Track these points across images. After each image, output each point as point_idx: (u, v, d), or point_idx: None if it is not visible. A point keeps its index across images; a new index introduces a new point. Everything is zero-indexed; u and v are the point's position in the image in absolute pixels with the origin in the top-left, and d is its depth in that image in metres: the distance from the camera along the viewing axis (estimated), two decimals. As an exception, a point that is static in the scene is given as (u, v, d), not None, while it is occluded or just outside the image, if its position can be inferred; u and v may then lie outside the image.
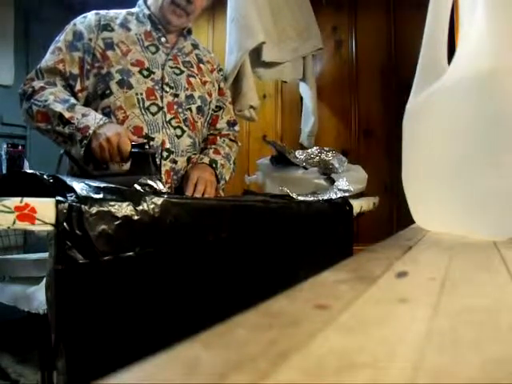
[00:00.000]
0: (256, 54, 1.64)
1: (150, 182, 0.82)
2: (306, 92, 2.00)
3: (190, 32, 1.24)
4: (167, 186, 1.05)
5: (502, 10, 0.62)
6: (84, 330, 0.61)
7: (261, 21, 1.58)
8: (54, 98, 0.99)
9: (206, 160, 1.13)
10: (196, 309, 0.74)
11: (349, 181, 1.25)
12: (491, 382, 0.16)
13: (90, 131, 0.93)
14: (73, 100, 1.01)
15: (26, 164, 2.50)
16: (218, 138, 1.25)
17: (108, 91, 1.04)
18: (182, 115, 1.10)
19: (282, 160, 1.37)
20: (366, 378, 0.16)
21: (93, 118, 0.95)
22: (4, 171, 2.42)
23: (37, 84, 1.03)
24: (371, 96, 2.10)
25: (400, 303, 0.27)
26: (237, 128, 1.32)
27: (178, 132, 1.09)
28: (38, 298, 1.51)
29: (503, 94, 0.60)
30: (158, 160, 1.03)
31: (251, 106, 1.61)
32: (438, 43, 0.80)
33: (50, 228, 0.59)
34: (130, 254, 0.65)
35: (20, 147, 2.53)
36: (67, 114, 0.95)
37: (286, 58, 1.78)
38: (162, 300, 0.70)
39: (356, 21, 2.17)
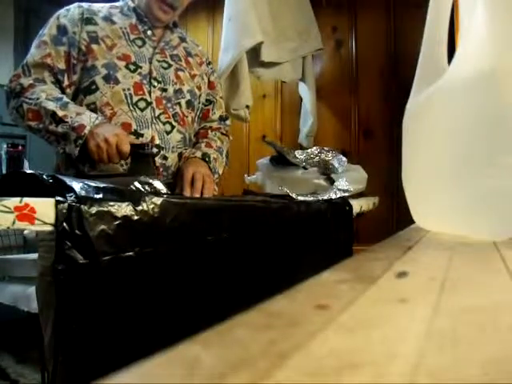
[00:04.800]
0: (255, 53, 1.64)
1: (152, 182, 0.82)
2: (306, 92, 2.00)
3: (175, 25, 1.21)
4: None
5: (502, 10, 0.62)
6: (83, 330, 0.61)
7: (259, 20, 1.58)
8: (46, 95, 0.96)
9: (199, 154, 1.10)
10: (196, 309, 0.74)
11: (349, 181, 1.25)
12: (491, 382, 0.16)
13: (86, 131, 0.91)
14: (65, 98, 0.98)
15: (26, 164, 2.50)
16: (210, 131, 1.23)
17: (94, 86, 1.01)
18: (171, 110, 1.08)
19: (281, 160, 1.37)
20: (366, 378, 0.16)
21: (88, 117, 0.93)
22: (4, 171, 2.42)
23: (25, 81, 1.00)
24: (371, 96, 2.10)
25: (400, 303, 0.27)
26: (228, 122, 1.31)
27: (168, 128, 1.06)
28: (37, 298, 1.50)
29: (503, 94, 0.60)
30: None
31: (247, 106, 1.62)
32: (438, 43, 0.80)
33: (49, 228, 0.59)
34: (130, 254, 0.65)
35: (20, 147, 2.53)
36: (60, 113, 0.93)
37: (286, 58, 1.78)
38: (162, 300, 0.70)
39: (356, 21, 2.17)
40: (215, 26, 2.50)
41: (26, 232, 2.17)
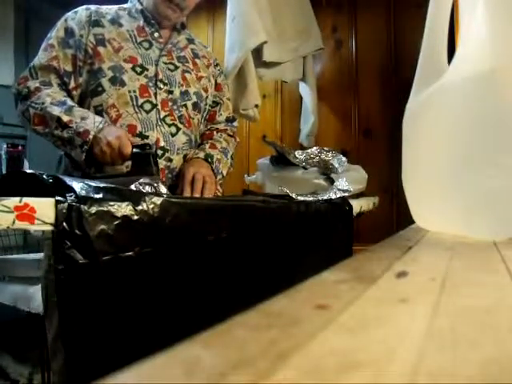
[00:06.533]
0: (256, 54, 1.64)
1: (151, 183, 0.82)
2: (306, 92, 2.00)
3: (183, 26, 1.21)
4: None
5: (502, 10, 0.62)
6: (84, 330, 0.61)
7: (261, 20, 1.58)
8: (51, 100, 0.97)
9: (201, 155, 1.10)
10: (196, 309, 0.74)
11: (348, 181, 1.25)
12: (491, 382, 0.16)
13: (91, 136, 0.92)
14: (70, 102, 0.99)
15: (26, 164, 2.50)
16: (215, 132, 1.23)
17: (100, 88, 1.02)
18: (176, 112, 1.08)
19: (281, 160, 1.37)
20: (366, 378, 0.16)
21: (92, 122, 0.94)
22: (4, 171, 2.42)
23: (32, 84, 1.01)
24: (371, 96, 2.10)
25: (400, 303, 0.27)
26: (235, 124, 1.30)
27: (173, 130, 1.07)
28: (37, 298, 1.50)
29: (503, 94, 0.60)
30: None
31: (256, 105, 1.62)
32: (438, 43, 0.80)
33: (49, 228, 0.59)
34: (130, 253, 0.65)
35: (20, 147, 2.53)
36: (65, 118, 0.94)
37: (286, 58, 1.78)
38: (162, 300, 0.70)
39: (356, 21, 2.17)
40: (215, 26, 2.50)
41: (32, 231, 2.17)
